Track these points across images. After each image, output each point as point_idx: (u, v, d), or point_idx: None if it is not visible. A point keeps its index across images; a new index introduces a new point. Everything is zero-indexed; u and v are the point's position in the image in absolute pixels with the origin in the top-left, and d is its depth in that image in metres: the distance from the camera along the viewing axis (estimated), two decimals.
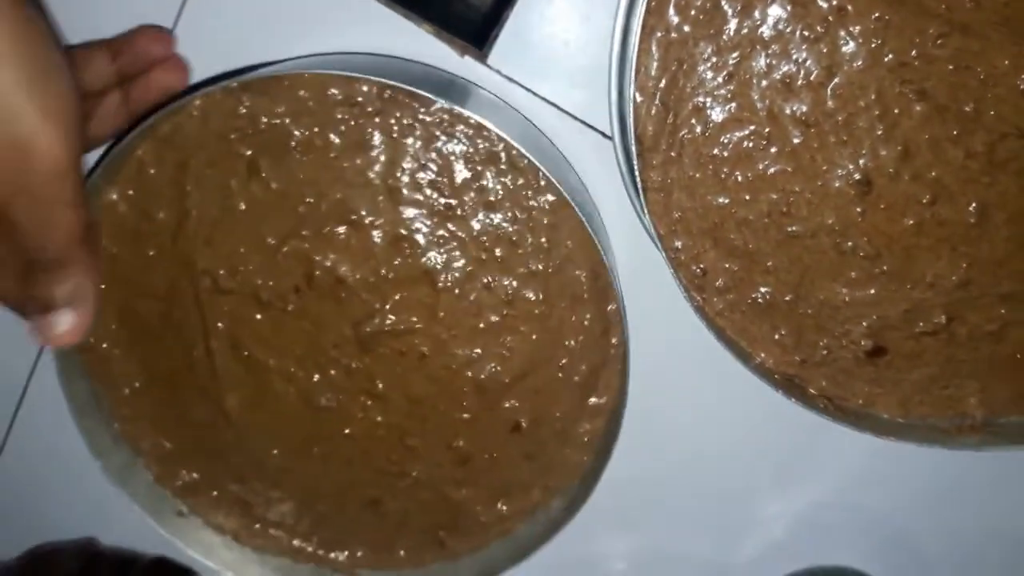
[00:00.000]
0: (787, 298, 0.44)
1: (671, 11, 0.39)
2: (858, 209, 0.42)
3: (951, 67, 0.40)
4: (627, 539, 0.57)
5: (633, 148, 0.40)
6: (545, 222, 0.44)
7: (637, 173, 0.40)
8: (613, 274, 0.42)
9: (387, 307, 0.46)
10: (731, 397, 0.51)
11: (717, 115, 0.41)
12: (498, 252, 0.45)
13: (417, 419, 0.48)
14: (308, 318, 0.46)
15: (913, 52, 0.40)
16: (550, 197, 0.43)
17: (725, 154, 0.42)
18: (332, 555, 0.52)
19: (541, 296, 0.45)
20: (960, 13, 0.39)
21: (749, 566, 0.57)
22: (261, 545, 0.51)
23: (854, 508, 0.55)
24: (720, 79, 0.41)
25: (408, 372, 0.47)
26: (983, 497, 0.55)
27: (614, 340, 0.46)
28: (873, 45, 0.40)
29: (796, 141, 0.41)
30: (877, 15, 0.39)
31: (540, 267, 0.45)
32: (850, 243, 0.43)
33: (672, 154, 0.42)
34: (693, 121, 0.41)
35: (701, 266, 0.44)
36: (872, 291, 0.44)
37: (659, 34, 0.40)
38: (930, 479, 0.54)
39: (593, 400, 0.47)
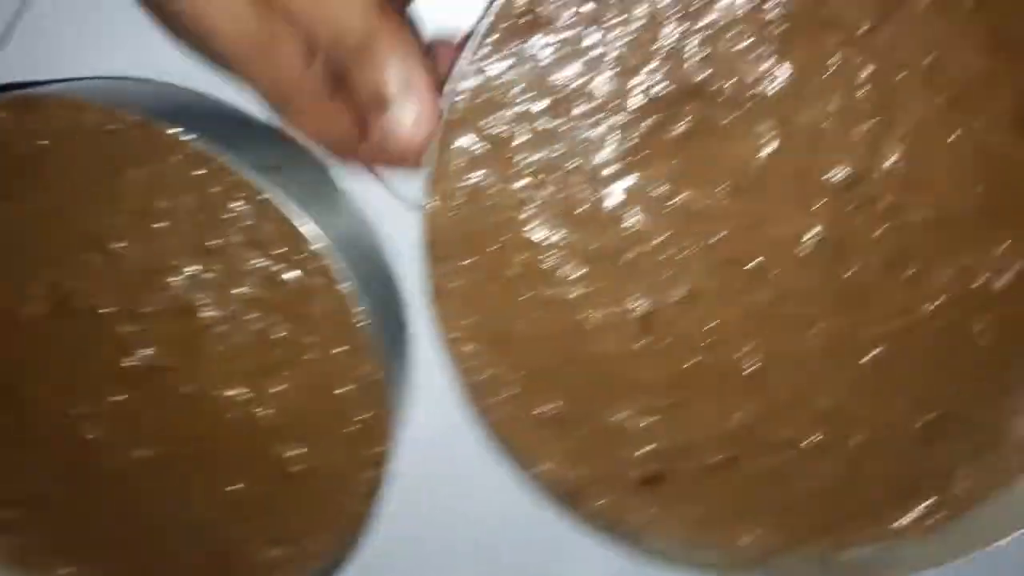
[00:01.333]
0: (570, 417, 0.44)
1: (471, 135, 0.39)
2: (641, 343, 0.42)
3: (739, 221, 0.40)
4: None
5: (427, 253, 0.40)
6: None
7: (428, 279, 0.40)
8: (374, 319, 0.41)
9: (144, 342, 0.44)
10: None
11: (510, 235, 0.41)
12: (265, 290, 0.43)
13: (185, 459, 0.47)
14: (65, 349, 0.45)
15: (707, 202, 0.40)
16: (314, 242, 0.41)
17: (518, 273, 0.42)
18: None
19: (312, 340, 0.43)
20: (751, 167, 0.39)
21: None
22: None
23: None
24: (514, 201, 0.40)
25: (173, 411, 0.45)
26: None
27: (390, 391, 0.44)
28: (666, 188, 0.40)
29: (583, 271, 0.41)
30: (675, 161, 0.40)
31: (310, 309, 0.43)
32: (630, 375, 0.43)
33: (464, 264, 0.41)
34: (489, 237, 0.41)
35: (487, 374, 0.44)
36: (652, 421, 0.44)
37: (463, 145, 0.40)
38: None
39: (369, 449, 0.45)
